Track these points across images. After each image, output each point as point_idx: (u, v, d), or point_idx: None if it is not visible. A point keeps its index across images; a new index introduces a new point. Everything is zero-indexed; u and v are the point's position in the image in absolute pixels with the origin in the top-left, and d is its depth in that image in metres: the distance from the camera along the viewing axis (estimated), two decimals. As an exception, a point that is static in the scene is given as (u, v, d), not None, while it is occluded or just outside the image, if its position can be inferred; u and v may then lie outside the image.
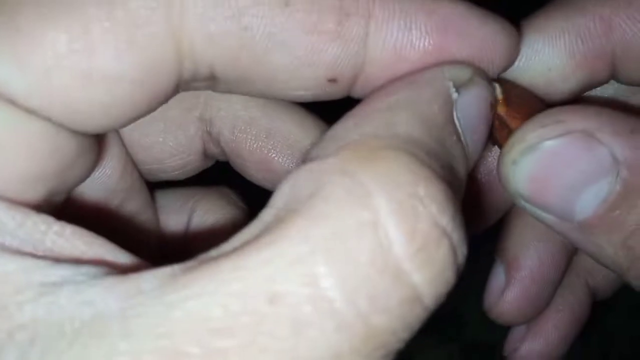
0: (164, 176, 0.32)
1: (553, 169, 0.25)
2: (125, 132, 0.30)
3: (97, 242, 0.20)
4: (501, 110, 0.26)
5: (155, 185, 0.33)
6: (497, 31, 0.25)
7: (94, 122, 0.22)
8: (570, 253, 0.37)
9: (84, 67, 0.20)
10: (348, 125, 0.21)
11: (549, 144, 0.25)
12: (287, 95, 0.24)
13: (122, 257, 0.20)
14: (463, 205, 0.20)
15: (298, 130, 0.31)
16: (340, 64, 0.23)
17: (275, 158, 0.32)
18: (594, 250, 0.26)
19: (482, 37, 0.24)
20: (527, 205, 0.26)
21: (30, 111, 0.21)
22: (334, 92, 0.24)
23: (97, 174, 0.28)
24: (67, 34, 0.20)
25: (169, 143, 0.31)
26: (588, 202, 0.25)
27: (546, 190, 0.25)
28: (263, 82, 0.23)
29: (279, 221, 0.18)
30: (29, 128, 0.21)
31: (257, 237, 0.17)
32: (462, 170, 0.22)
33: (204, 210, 0.34)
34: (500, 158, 0.26)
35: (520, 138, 0.25)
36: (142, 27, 0.21)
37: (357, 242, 0.17)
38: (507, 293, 0.37)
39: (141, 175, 0.32)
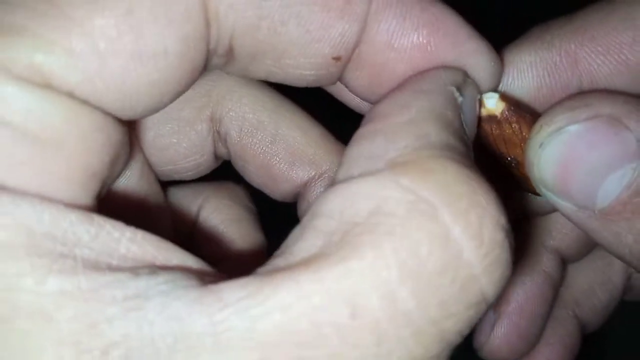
0: (177, 177, 0.33)
1: (578, 152, 0.25)
2: (141, 134, 0.31)
3: (164, 246, 0.20)
4: (508, 114, 0.27)
5: (166, 181, 0.34)
6: (484, 48, 0.26)
7: (143, 103, 0.22)
8: (557, 285, 0.37)
9: (135, 47, 0.21)
10: (379, 142, 0.21)
11: (576, 127, 0.25)
12: (294, 75, 0.25)
13: (186, 258, 0.20)
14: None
15: (303, 138, 0.32)
16: (344, 41, 0.24)
17: (277, 165, 0.32)
18: (612, 241, 0.26)
19: (468, 47, 0.25)
20: (548, 194, 0.27)
21: (85, 102, 0.21)
22: (334, 73, 0.26)
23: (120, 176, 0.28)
24: (114, 17, 0.20)
25: (183, 144, 0.32)
26: (611, 188, 0.25)
27: (570, 174, 0.26)
28: (275, 57, 0.24)
29: (345, 235, 0.18)
30: (87, 121, 0.21)
31: (325, 250, 0.18)
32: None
33: (211, 210, 0.34)
34: (527, 142, 0.27)
35: (548, 121, 0.26)
36: (179, 0, 0.21)
37: (428, 254, 0.18)
38: (497, 329, 0.37)
39: (157, 177, 0.32)
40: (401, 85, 0.25)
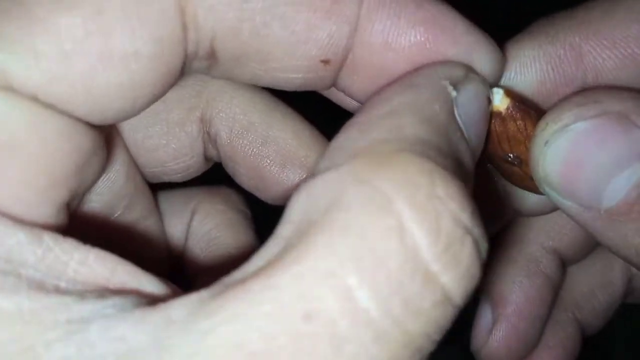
0: (166, 179, 0.33)
1: (585, 150, 0.24)
2: (129, 135, 0.31)
3: (120, 268, 0.20)
4: (513, 111, 0.26)
5: (159, 186, 0.33)
6: (483, 41, 0.25)
7: (113, 107, 0.22)
8: (556, 287, 0.37)
9: (103, 48, 0.20)
10: (353, 134, 0.21)
11: (583, 124, 0.24)
12: (281, 79, 0.25)
13: (145, 280, 0.20)
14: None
15: (294, 140, 0.32)
16: (333, 43, 0.24)
17: (268, 167, 0.32)
18: (617, 241, 0.25)
19: (468, 41, 0.24)
20: (552, 193, 0.26)
21: (50, 106, 0.20)
22: (324, 77, 0.25)
23: (103, 178, 0.28)
24: (81, 17, 0.20)
25: (172, 145, 0.32)
26: (618, 187, 0.24)
27: (576, 173, 0.25)
28: (259, 60, 0.24)
29: (301, 235, 0.17)
30: (50, 125, 0.20)
31: (281, 254, 0.17)
32: (469, 165, 0.22)
33: (204, 214, 0.34)
34: (532, 140, 0.26)
35: (555, 117, 0.25)
36: (152, 2, 0.21)
37: (385, 249, 0.17)
38: (495, 332, 0.36)
39: (145, 179, 0.32)
40: (394, 81, 0.24)
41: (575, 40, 0.27)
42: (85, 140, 0.22)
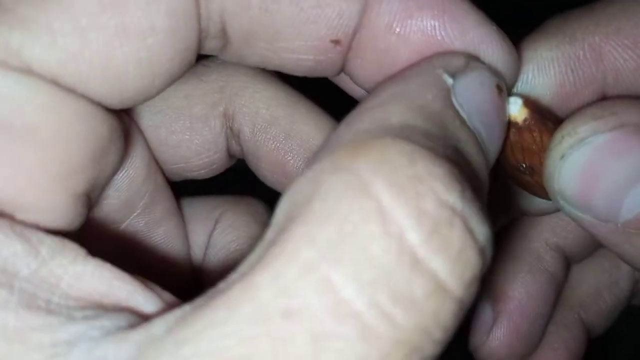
0: (190, 176, 0.32)
1: (603, 164, 0.24)
2: (152, 131, 0.31)
3: (118, 283, 0.19)
4: (531, 122, 0.26)
5: (185, 191, 0.33)
6: (495, 36, 0.24)
7: (132, 86, 0.21)
8: (559, 285, 0.36)
9: (118, 22, 0.20)
10: (340, 129, 0.20)
11: (600, 137, 0.24)
12: (291, 60, 0.24)
13: (142, 298, 0.19)
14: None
15: (318, 134, 0.31)
16: (343, 22, 0.23)
17: (291, 161, 0.31)
18: (635, 254, 0.25)
19: (478, 34, 0.24)
20: (567, 206, 0.25)
21: (69, 89, 0.20)
22: (335, 60, 0.24)
23: (122, 174, 0.28)
24: None
25: (195, 140, 0.31)
26: (636, 200, 0.24)
27: (593, 187, 0.24)
28: (268, 39, 0.23)
29: (281, 233, 0.16)
30: (68, 110, 0.20)
31: (262, 255, 0.16)
32: (475, 155, 0.21)
33: (227, 225, 0.33)
34: (548, 153, 0.25)
35: (571, 130, 0.25)
36: None
37: (366, 235, 0.16)
38: (496, 329, 0.35)
39: (166, 177, 0.32)
40: (393, 75, 0.23)
41: (595, 40, 0.27)
42: (103, 127, 0.22)
